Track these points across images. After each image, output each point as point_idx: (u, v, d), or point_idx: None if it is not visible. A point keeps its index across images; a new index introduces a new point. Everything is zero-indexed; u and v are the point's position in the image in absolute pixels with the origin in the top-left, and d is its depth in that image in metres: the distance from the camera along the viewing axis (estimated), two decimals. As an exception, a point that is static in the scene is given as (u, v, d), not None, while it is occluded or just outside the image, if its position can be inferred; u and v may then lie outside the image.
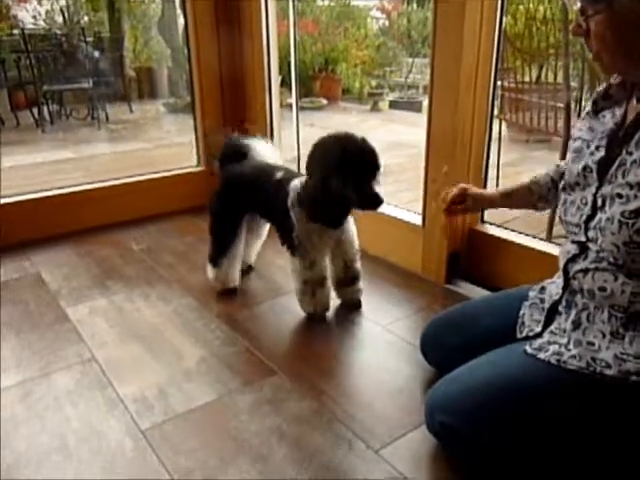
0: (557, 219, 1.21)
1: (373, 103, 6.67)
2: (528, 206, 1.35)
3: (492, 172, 2.01)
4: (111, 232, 2.41)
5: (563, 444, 1.01)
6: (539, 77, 3.34)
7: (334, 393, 1.36)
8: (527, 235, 1.80)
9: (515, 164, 3.61)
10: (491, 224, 1.91)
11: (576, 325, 1.07)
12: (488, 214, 1.90)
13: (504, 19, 1.72)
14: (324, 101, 6.56)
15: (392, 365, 1.48)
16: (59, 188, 2.47)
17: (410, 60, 7.24)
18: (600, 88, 1.11)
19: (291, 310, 1.74)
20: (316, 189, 1.49)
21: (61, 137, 5.17)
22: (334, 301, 1.77)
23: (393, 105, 6.71)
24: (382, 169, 1.49)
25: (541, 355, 1.06)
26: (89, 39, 5.65)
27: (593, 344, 1.02)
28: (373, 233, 2.08)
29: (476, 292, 1.82)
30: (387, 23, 7.76)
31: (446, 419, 1.08)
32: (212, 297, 1.85)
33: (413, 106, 6.42)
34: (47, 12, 5.98)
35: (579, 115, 2.52)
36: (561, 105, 2.43)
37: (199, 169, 2.74)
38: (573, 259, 1.09)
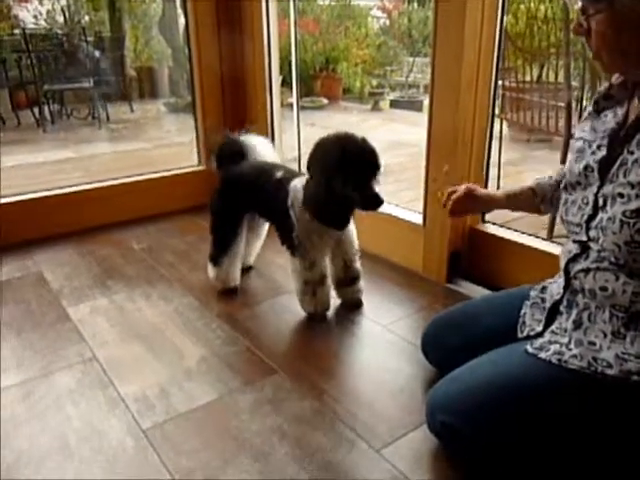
0: (558, 219, 1.20)
1: (374, 102, 6.66)
2: (532, 209, 1.33)
3: (493, 171, 2.01)
4: (112, 231, 2.41)
5: (564, 444, 1.01)
6: (540, 76, 3.34)
7: (335, 392, 1.36)
8: (528, 234, 1.80)
9: (516, 163, 3.61)
10: (492, 223, 1.90)
11: (577, 325, 1.07)
12: (492, 212, 1.89)
13: (505, 18, 1.72)
14: (325, 100, 6.55)
15: (393, 364, 1.48)
16: (60, 188, 2.48)
17: (411, 59, 7.23)
18: (601, 88, 1.11)
19: (291, 309, 1.74)
20: (319, 190, 1.49)
21: (62, 137, 5.17)
22: (334, 300, 1.77)
23: (394, 104, 6.70)
24: (382, 169, 1.50)
25: (542, 355, 1.06)
26: (90, 39, 5.65)
27: (594, 344, 1.02)
28: (374, 232, 2.08)
29: (477, 291, 1.82)
30: (388, 22, 7.75)
31: (447, 419, 1.08)
32: (213, 296, 1.85)
33: (414, 105, 6.42)
34: (48, 12, 5.98)
35: (580, 114, 2.52)
36: (562, 104, 2.42)
37: (200, 168, 2.74)
38: (574, 259, 1.08)
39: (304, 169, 1.58)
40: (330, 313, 1.73)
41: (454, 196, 1.34)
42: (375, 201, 1.47)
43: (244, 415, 1.28)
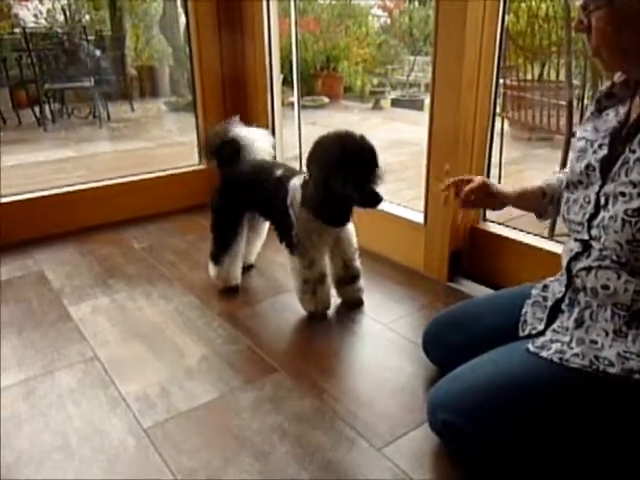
0: (560, 217, 1.20)
1: (375, 101, 6.66)
2: (538, 209, 1.30)
3: (494, 170, 2.00)
4: (112, 231, 2.41)
5: (565, 442, 1.01)
6: (541, 75, 3.33)
7: (335, 391, 1.36)
8: (529, 233, 1.79)
9: (517, 162, 3.60)
10: (493, 222, 1.90)
11: (579, 323, 1.07)
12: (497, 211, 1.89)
13: (506, 17, 1.71)
14: (326, 99, 6.55)
15: (394, 363, 1.47)
16: (61, 187, 2.48)
17: (412, 58, 7.22)
18: (603, 87, 1.11)
19: (292, 308, 1.74)
20: (318, 188, 1.49)
21: (63, 136, 5.17)
22: (335, 299, 1.77)
23: (395, 103, 6.70)
24: (383, 168, 1.49)
25: (543, 353, 1.06)
26: (90, 38, 5.65)
27: (596, 342, 1.02)
28: (375, 231, 2.08)
29: (478, 290, 1.82)
30: (389, 21, 7.74)
31: (448, 417, 1.08)
32: (213, 295, 1.85)
33: (415, 104, 6.41)
34: (48, 11, 5.98)
35: (581, 113, 2.51)
36: (563, 103, 2.42)
37: (200, 168, 2.74)
38: (576, 257, 1.08)
39: (305, 167, 1.58)
40: (330, 312, 1.73)
41: (470, 186, 1.28)
42: (374, 198, 1.47)
43: (245, 414, 1.28)
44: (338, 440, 1.20)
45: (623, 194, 0.96)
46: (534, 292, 1.24)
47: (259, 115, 2.61)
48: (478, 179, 1.29)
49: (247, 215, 1.83)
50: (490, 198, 1.29)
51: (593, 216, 1.03)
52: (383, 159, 1.52)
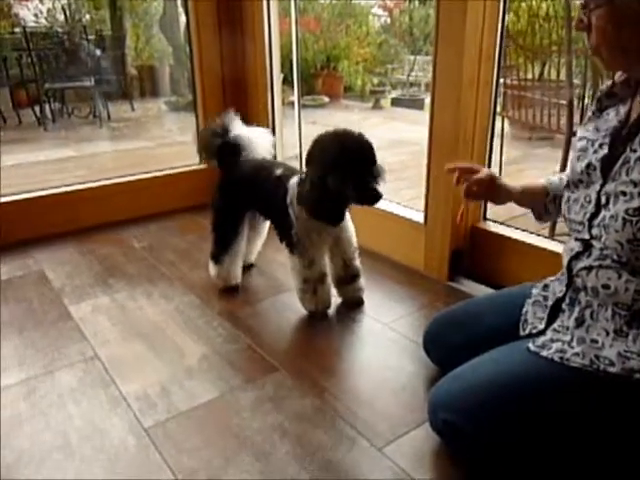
0: (560, 217, 1.20)
1: (375, 101, 6.66)
2: (540, 207, 1.29)
3: (494, 170, 1.99)
4: (113, 230, 2.41)
5: (566, 442, 1.01)
6: (542, 74, 3.33)
7: (336, 390, 1.36)
8: (530, 233, 1.79)
9: (518, 161, 3.60)
10: (494, 221, 1.90)
11: (579, 323, 1.07)
12: (493, 211, 1.89)
13: (507, 16, 1.71)
14: (326, 99, 6.55)
15: (394, 363, 1.47)
16: (61, 186, 2.48)
17: (412, 58, 7.22)
18: (604, 86, 1.11)
19: (293, 307, 1.74)
20: (313, 186, 1.49)
21: (63, 135, 5.17)
22: (335, 298, 1.77)
23: (395, 103, 6.70)
24: (384, 166, 1.49)
25: (544, 353, 1.06)
26: (91, 37, 5.65)
27: (596, 342, 1.02)
28: (375, 231, 2.08)
29: (479, 290, 1.82)
30: (389, 20, 7.74)
31: (449, 417, 1.08)
32: (214, 294, 1.85)
33: (415, 104, 6.41)
34: (49, 10, 5.98)
35: (582, 112, 2.51)
36: (564, 102, 2.42)
37: (201, 167, 2.73)
38: (577, 256, 1.08)
39: (304, 166, 1.58)
40: (331, 311, 1.73)
41: (477, 177, 1.26)
42: (372, 195, 1.47)
43: (245, 413, 1.28)
44: (339, 439, 1.20)
45: (624, 193, 0.96)
46: (535, 291, 1.24)
47: (259, 114, 2.61)
48: (485, 171, 1.28)
49: (247, 214, 1.83)
50: (494, 192, 1.28)
51: (594, 215, 1.03)
52: (383, 158, 1.53)
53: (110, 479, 1.11)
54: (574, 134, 2.18)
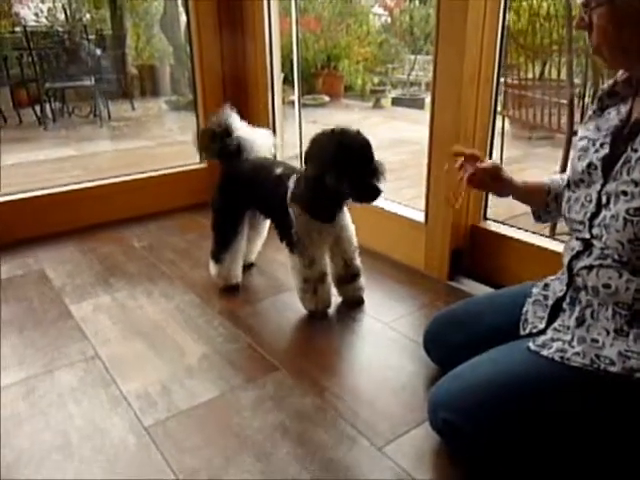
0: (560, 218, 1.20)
1: (375, 100, 6.66)
2: (541, 204, 1.29)
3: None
4: (113, 229, 2.41)
5: (565, 441, 1.01)
6: (542, 73, 3.33)
7: (337, 390, 1.36)
8: (530, 232, 1.79)
9: (518, 161, 3.60)
10: (494, 221, 1.90)
11: (580, 322, 1.07)
12: (494, 210, 1.89)
13: (507, 15, 1.71)
14: (326, 98, 6.55)
15: (395, 362, 1.47)
16: (61, 185, 2.48)
17: (412, 57, 7.22)
18: (605, 85, 1.11)
19: (293, 306, 1.74)
20: (308, 183, 1.49)
21: (63, 135, 5.17)
22: (335, 297, 1.77)
23: (395, 102, 6.70)
24: (384, 164, 1.49)
25: (544, 352, 1.06)
26: (91, 37, 5.65)
27: (597, 341, 1.02)
28: (376, 230, 2.08)
29: (479, 289, 1.82)
30: (389, 20, 7.74)
31: (449, 416, 1.08)
32: (214, 294, 1.85)
33: (415, 103, 6.41)
34: (49, 9, 5.98)
35: (582, 111, 2.51)
36: (564, 101, 2.42)
37: (201, 166, 2.74)
38: (577, 256, 1.08)
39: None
40: (331, 311, 1.73)
41: (482, 165, 1.25)
42: (371, 192, 1.47)
43: (246, 412, 1.28)
44: (339, 439, 1.20)
45: (625, 193, 0.96)
46: (535, 291, 1.24)
47: (260, 114, 2.61)
48: (490, 161, 1.28)
49: (248, 213, 1.83)
50: (497, 182, 1.27)
51: (594, 215, 1.03)
52: (384, 158, 1.52)
53: (111, 479, 1.11)
54: (575, 133, 2.17)
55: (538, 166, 3.47)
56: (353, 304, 1.76)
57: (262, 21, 2.46)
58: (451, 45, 1.67)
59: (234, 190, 1.79)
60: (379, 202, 2.02)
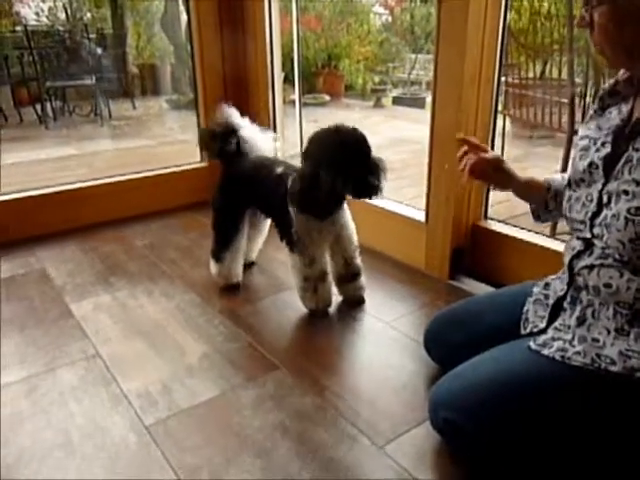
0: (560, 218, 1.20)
1: (376, 99, 6.65)
2: (539, 202, 1.29)
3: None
4: (114, 228, 2.41)
5: (566, 441, 1.01)
6: (543, 73, 3.33)
7: (337, 389, 1.36)
8: (531, 231, 1.79)
9: (519, 160, 3.60)
10: (495, 220, 1.90)
11: (581, 321, 1.07)
12: (494, 209, 1.89)
13: (508, 14, 1.71)
14: (327, 97, 6.55)
15: (395, 361, 1.47)
16: (62, 184, 2.48)
17: (413, 56, 7.21)
18: (606, 85, 1.10)
19: (293, 305, 1.74)
20: (303, 180, 1.48)
21: (64, 133, 5.17)
22: (336, 297, 1.77)
23: (396, 101, 6.69)
24: (386, 162, 1.49)
25: (545, 351, 1.06)
26: (92, 36, 5.65)
27: (598, 340, 1.02)
28: (376, 229, 2.08)
29: (480, 288, 1.82)
30: (390, 19, 7.73)
31: (449, 415, 1.08)
32: (215, 293, 1.85)
33: (416, 102, 6.41)
34: (50, 9, 5.98)
35: (583, 111, 2.51)
36: (565, 101, 2.42)
37: (202, 165, 2.74)
38: (578, 255, 1.08)
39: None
40: (332, 310, 1.73)
41: (485, 155, 1.24)
42: (369, 189, 1.46)
43: (246, 411, 1.28)
44: (340, 438, 1.20)
45: (626, 192, 0.96)
46: (536, 290, 1.24)
47: (260, 113, 2.61)
48: (493, 152, 1.27)
49: (248, 212, 1.83)
50: (499, 174, 1.26)
51: (595, 214, 1.03)
52: (384, 157, 1.52)
53: (111, 478, 1.11)
54: (575, 133, 2.17)
55: (539, 165, 3.47)
56: (354, 303, 1.76)
57: (263, 20, 2.46)
58: (452, 44, 1.67)
59: (235, 189, 1.79)
60: (380, 201, 2.02)
